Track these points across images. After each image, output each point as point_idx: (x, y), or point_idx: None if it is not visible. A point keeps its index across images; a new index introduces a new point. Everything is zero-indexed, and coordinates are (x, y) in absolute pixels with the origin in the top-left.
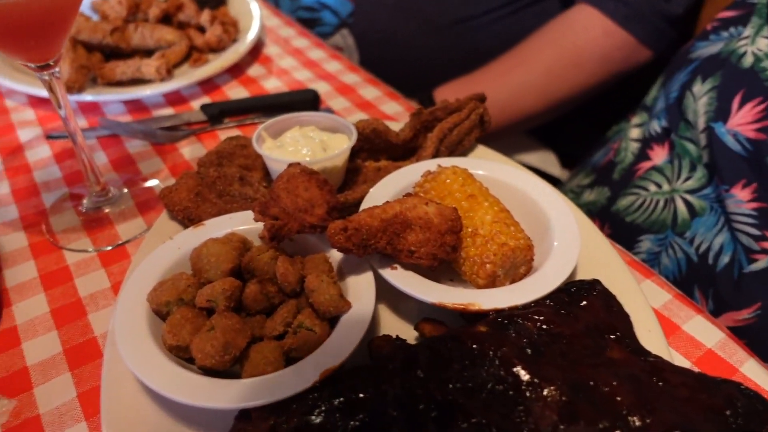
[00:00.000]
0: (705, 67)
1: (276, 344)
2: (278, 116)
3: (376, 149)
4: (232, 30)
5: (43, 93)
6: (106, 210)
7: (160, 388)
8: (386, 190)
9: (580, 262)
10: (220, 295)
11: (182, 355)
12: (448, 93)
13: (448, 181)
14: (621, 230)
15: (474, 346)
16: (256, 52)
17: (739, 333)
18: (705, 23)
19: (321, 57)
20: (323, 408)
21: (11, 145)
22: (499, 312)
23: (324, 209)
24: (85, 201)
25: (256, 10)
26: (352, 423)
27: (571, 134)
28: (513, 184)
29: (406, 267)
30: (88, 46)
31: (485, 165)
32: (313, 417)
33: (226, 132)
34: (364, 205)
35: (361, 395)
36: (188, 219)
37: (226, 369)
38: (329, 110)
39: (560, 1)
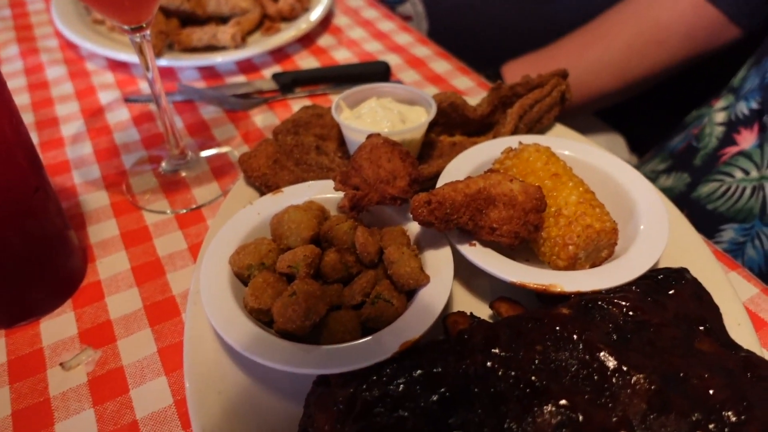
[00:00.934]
0: None
1: (354, 313)
2: (355, 87)
3: (451, 124)
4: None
5: (122, 56)
6: (183, 174)
7: (243, 349)
8: (464, 165)
9: (666, 249)
10: (302, 261)
11: (263, 318)
12: (518, 68)
13: (531, 158)
14: (701, 218)
15: (557, 327)
16: (326, 22)
17: None
18: None
19: (391, 28)
20: (403, 379)
21: (92, 107)
22: (582, 295)
23: (406, 181)
24: (163, 164)
25: None
26: (434, 396)
27: (642, 118)
28: (597, 165)
29: (485, 244)
30: (166, 12)
31: (568, 144)
32: (393, 387)
33: (297, 101)
34: (441, 180)
35: (441, 369)
36: (266, 185)
37: (305, 334)
38: (400, 83)
39: None
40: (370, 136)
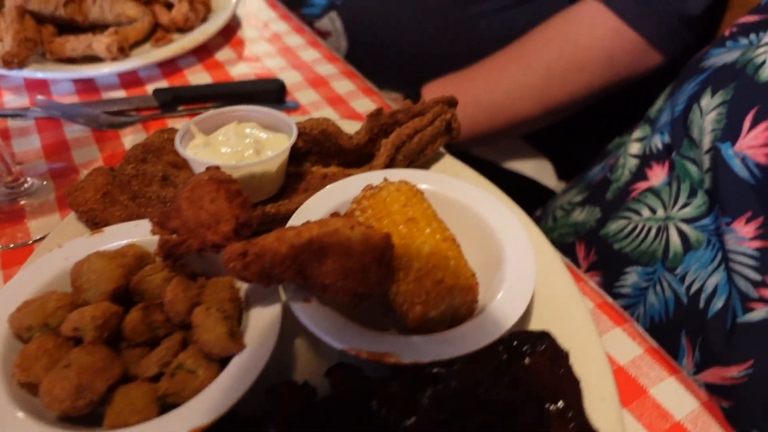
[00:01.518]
0: (717, 77)
1: (148, 388)
2: (215, 109)
3: (326, 153)
4: (201, 8)
5: None
6: (22, 202)
7: None
8: (323, 203)
9: (537, 302)
10: (90, 323)
11: (36, 393)
12: (438, 89)
13: (389, 199)
14: (608, 258)
15: (381, 409)
16: (229, 33)
17: (723, 393)
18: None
19: (299, 44)
20: None
21: None
22: (419, 366)
23: (231, 226)
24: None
25: (232, 3)
26: None
27: (571, 142)
28: (468, 204)
29: (326, 300)
30: (39, 18)
31: (439, 180)
32: None
33: (179, 121)
34: (293, 220)
35: None
36: (93, 223)
37: (85, 415)
38: (296, 103)
39: None
40: (206, 170)
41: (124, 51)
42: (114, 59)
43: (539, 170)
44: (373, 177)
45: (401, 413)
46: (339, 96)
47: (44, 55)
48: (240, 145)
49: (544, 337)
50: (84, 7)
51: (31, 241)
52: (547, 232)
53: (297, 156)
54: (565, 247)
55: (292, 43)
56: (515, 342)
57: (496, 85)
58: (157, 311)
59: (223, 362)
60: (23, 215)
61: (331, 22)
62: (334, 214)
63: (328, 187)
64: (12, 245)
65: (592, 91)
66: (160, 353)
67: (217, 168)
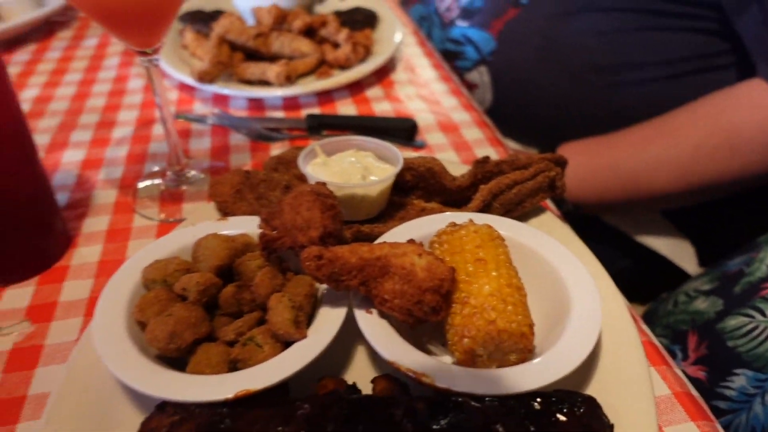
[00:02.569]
0: None
1: (224, 349)
2: (340, 136)
3: (430, 190)
4: (361, 51)
5: (186, 79)
6: (184, 188)
7: (104, 356)
8: (410, 231)
9: (598, 367)
10: (194, 287)
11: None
12: (575, 151)
13: (466, 238)
14: (718, 355)
15: (403, 420)
16: (382, 74)
17: None
18: None
19: (442, 90)
20: (216, 426)
21: (147, 118)
22: (449, 393)
23: (318, 233)
24: (169, 176)
25: (398, 37)
26: None
27: (719, 228)
28: (546, 257)
29: (386, 315)
30: (234, 46)
31: (523, 230)
32: (201, 429)
33: None
34: (378, 241)
35: (245, 428)
36: (223, 212)
37: (175, 357)
38: (423, 142)
39: (738, 75)
40: (315, 183)
41: (290, 79)
42: (281, 85)
43: (677, 251)
44: (461, 216)
45: (417, 429)
46: (466, 142)
47: (231, 76)
48: (351, 169)
49: (588, 401)
50: (269, 41)
51: (181, 219)
52: (665, 316)
53: (404, 188)
54: (677, 334)
55: (436, 89)
56: (553, 398)
57: (638, 155)
58: (246, 290)
59: (287, 345)
60: (182, 198)
61: (480, 75)
62: (411, 241)
63: (418, 219)
64: (170, 219)
65: (744, 176)
66: (239, 324)
67: (323, 184)
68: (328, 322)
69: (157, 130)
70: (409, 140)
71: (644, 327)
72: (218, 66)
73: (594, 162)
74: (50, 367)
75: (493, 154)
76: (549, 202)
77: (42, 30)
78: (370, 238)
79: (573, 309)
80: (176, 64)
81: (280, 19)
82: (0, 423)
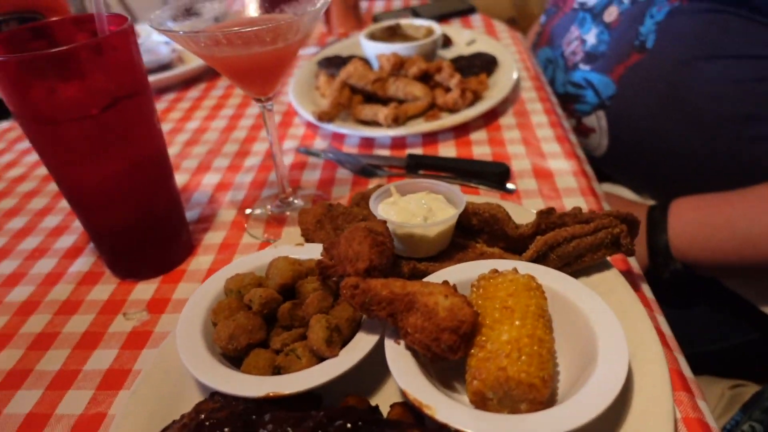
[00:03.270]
0: None
1: (271, 356)
2: (415, 179)
3: (494, 235)
4: (469, 96)
5: (310, 118)
6: (287, 213)
7: (180, 348)
8: (458, 273)
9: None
10: (257, 299)
11: None
12: (690, 206)
13: (501, 285)
14: None
15: None
16: (491, 117)
17: None
18: None
19: (548, 135)
20: (238, 416)
21: (285, 147)
22: (447, 428)
23: (365, 265)
24: (277, 202)
25: (511, 81)
26: None
27: None
28: (587, 316)
29: (410, 348)
30: (354, 89)
31: (572, 286)
32: (218, 416)
33: None
34: (427, 279)
35: (264, 422)
36: (307, 239)
37: (237, 357)
38: (513, 188)
39: None
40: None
41: (397, 121)
42: (389, 126)
43: None
44: (511, 264)
45: None
46: (557, 190)
47: (349, 116)
48: (416, 210)
49: None
50: (386, 85)
51: (277, 240)
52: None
53: (470, 231)
54: None
55: (542, 134)
56: None
57: (759, 217)
58: (300, 308)
59: (321, 360)
60: (284, 222)
61: (597, 120)
62: (445, 283)
63: (468, 263)
64: (270, 239)
65: None
66: (285, 336)
67: (383, 222)
68: (360, 345)
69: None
70: (499, 185)
71: (701, 404)
72: (337, 107)
73: (708, 219)
74: (152, 350)
75: (584, 204)
76: (630, 260)
77: (210, 71)
78: (425, 274)
79: (597, 368)
80: (305, 103)
81: (398, 66)
82: (109, 387)
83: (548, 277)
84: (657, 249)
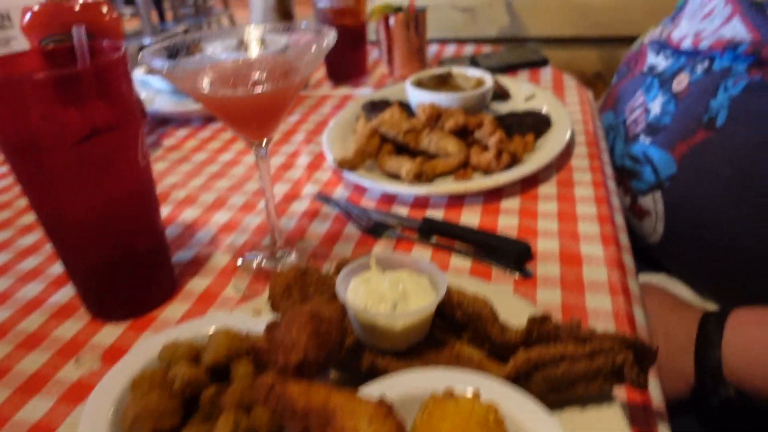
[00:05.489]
0: None
1: None
2: (401, 255)
3: (480, 335)
4: (506, 158)
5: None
6: (279, 267)
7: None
8: (408, 384)
9: None
10: (179, 378)
11: None
12: (749, 320)
13: (449, 412)
14: None
15: None
16: (531, 184)
17: None
18: None
19: (589, 213)
20: None
21: (293, 193)
22: None
23: (296, 359)
24: (263, 253)
25: (560, 146)
26: None
27: None
28: None
29: None
30: (384, 137)
31: (545, 425)
32: None
33: (420, 248)
34: (370, 385)
35: None
36: (272, 306)
37: None
38: (530, 272)
39: None
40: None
41: (420, 178)
42: (410, 183)
43: None
44: (473, 381)
45: None
46: (581, 280)
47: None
48: (388, 293)
49: None
50: (419, 137)
51: (254, 298)
52: None
53: (457, 325)
54: None
55: (582, 211)
56: None
57: None
58: (222, 395)
59: None
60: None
61: (654, 202)
62: (380, 401)
63: (429, 371)
64: (249, 295)
65: None
66: (194, 429)
67: (339, 306)
68: None
69: (296, 205)
70: (517, 265)
71: None
72: (362, 155)
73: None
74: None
75: (609, 304)
76: (653, 389)
77: None
78: (385, 372)
79: None
80: (335, 147)
81: (435, 117)
82: None
83: (521, 407)
84: (706, 368)
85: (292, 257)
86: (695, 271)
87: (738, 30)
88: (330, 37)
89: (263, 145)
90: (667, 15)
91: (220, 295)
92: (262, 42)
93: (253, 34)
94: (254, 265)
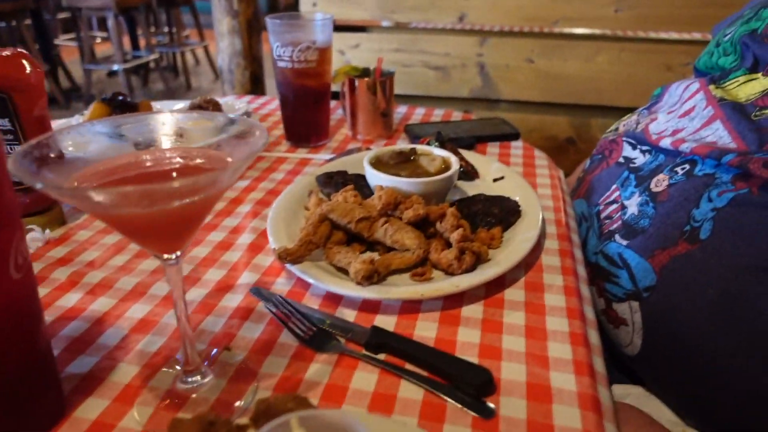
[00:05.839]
0: None
1: None
2: (329, 413)
3: None
4: (468, 260)
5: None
6: (193, 394)
7: None
8: None
9: None
10: None
11: None
12: None
13: None
14: None
15: None
16: (496, 287)
17: None
18: None
19: (561, 329)
20: None
21: (227, 282)
22: None
23: None
24: (178, 367)
25: (529, 245)
26: None
27: None
28: None
29: None
30: (335, 225)
31: None
32: None
33: (367, 370)
34: None
35: None
36: None
37: None
38: (493, 410)
39: None
40: None
41: (369, 280)
42: (358, 284)
43: None
44: None
45: None
46: (550, 426)
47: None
48: None
49: None
50: (373, 227)
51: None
52: None
53: None
54: None
55: (553, 326)
56: None
57: None
58: None
59: None
60: (182, 405)
61: (630, 311)
62: None
63: None
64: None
65: None
66: None
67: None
68: None
69: (226, 300)
70: (476, 400)
71: None
72: (307, 246)
73: None
74: None
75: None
76: None
77: None
78: None
79: None
80: (280, 229)
81: (391, 205)
82: None
83: None
84: None
85: (210, 379)
86: (676, 392)
87: (721, 134)
88: (261, 141)
89: (174, 257)
90: (638, 89)
91: (116, 427)
92: (181, 134)
93: (168, 124)
94: (165, 385)
